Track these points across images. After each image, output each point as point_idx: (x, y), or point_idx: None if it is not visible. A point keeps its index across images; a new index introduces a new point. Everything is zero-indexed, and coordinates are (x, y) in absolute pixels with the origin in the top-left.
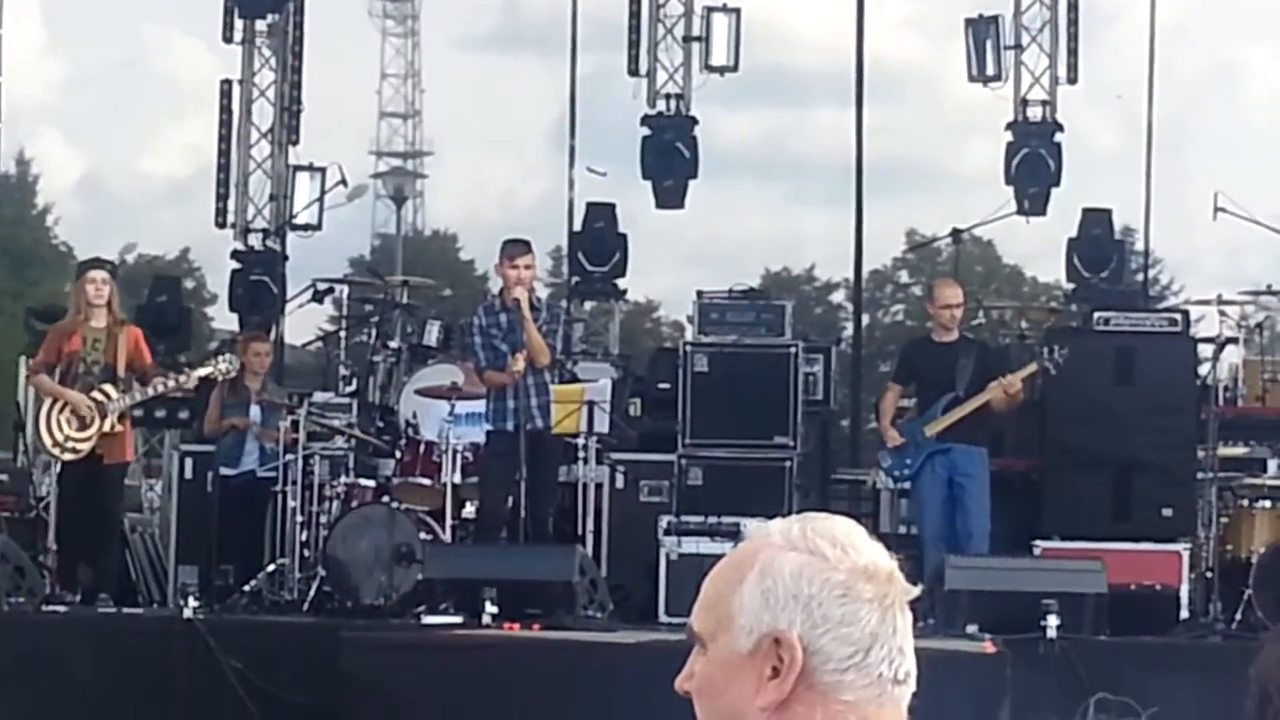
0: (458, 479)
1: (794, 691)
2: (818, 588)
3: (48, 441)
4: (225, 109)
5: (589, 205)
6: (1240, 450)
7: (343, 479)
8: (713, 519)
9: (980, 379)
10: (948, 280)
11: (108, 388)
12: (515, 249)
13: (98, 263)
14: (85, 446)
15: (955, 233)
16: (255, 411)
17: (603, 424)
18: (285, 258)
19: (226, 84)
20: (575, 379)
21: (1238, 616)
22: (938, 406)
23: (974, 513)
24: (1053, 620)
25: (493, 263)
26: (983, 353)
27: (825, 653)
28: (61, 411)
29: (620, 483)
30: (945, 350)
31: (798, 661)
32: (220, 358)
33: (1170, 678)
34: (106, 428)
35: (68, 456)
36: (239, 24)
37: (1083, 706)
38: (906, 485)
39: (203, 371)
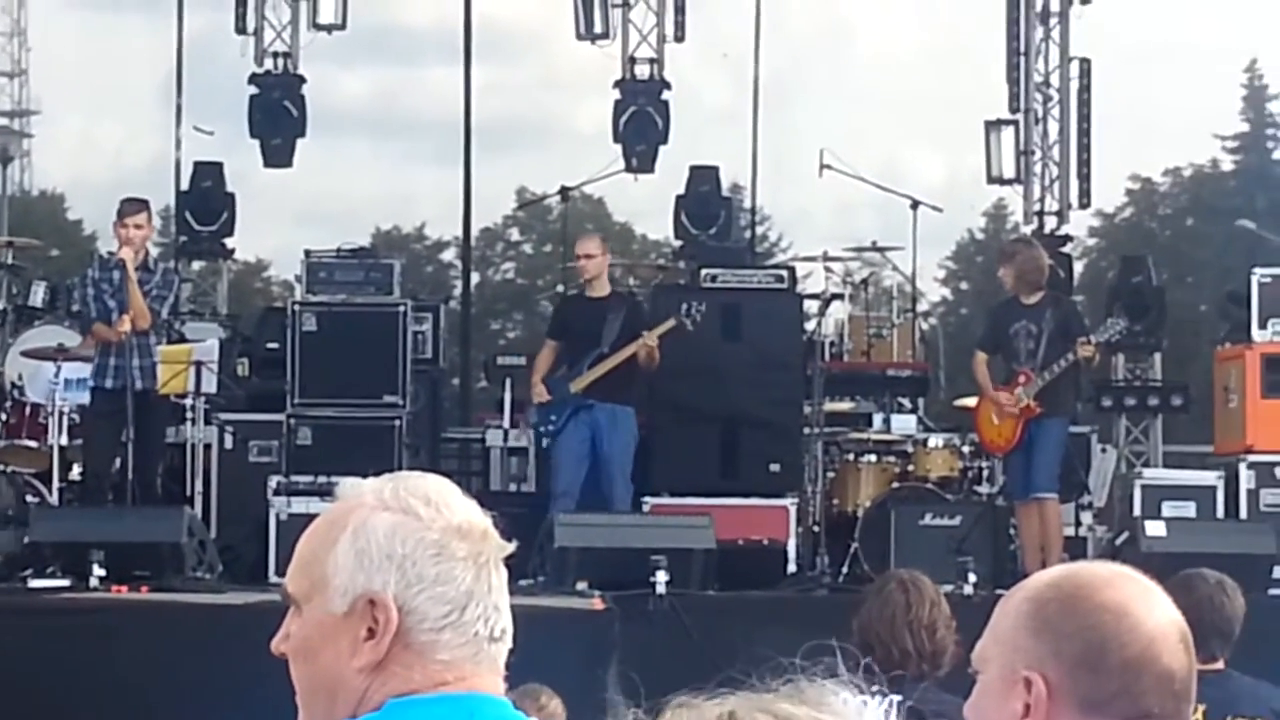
0: (65, 441)
1: (390, 652)
2: (411, 547)
3: None
4: None
5: (196, 164)
6: (846, 405)
7: None
8: (322, 478)
9: (628, 335)
10: (586, 233)
11: None
12: (128, 208)
13: None
14: None
15: (564, 190)
16: None
17: (210, 384)
18: None
19: None
20: (183, 339)
21: (844, 569)
22: (584, 362)
23: (616, 472)
24: (662, 576)
25: (102, 223)
26: (632, 309)
27: (420, 612)
28: None
29: (229, 443)
30: (596, 305)
31: (393, 622)
32: None
33: (777, 631)
34: None
35: None
36: None
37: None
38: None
39: None
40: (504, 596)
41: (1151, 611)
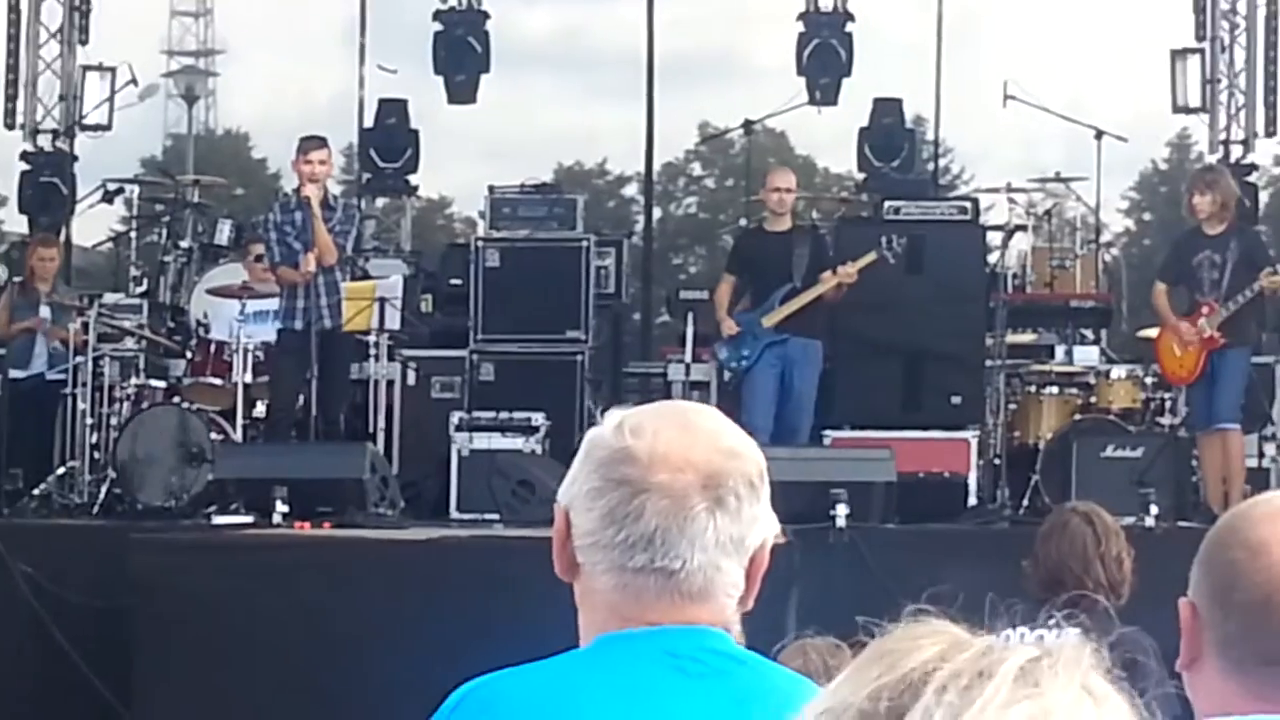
0: (249, 378)
1: (575, 560)
2: (582, 459)
3: None
4: (13, 9)
5: (381, 102)
6: (1028, 337)
7: (133, 380)
8: (504, 414)
9: (815, 268)
10: (780, 165)
11: None
12: (309, 144)
13: None
14: None
15: (747, 124)
16: (45, 311)
17: (394, 321)
18: (75, 158)
19: None
20: (367, 276)
21: (1025, 502)
22: (775, 297)
23: (802, 407)
24: (842, 509)
25: (286, 161)
26: (816, 242)
27: (578, 525)
28: None
29: (412, 379)
30: (780, 239)
31: (561, 528)
32: None
33: (958, 564)
34: None
35: None
36: None
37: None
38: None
39: None
40: (677, 535)
41: None
